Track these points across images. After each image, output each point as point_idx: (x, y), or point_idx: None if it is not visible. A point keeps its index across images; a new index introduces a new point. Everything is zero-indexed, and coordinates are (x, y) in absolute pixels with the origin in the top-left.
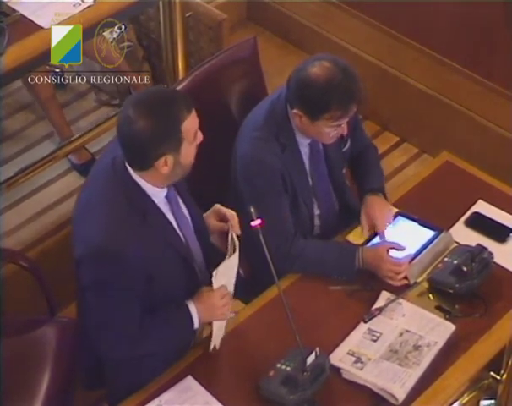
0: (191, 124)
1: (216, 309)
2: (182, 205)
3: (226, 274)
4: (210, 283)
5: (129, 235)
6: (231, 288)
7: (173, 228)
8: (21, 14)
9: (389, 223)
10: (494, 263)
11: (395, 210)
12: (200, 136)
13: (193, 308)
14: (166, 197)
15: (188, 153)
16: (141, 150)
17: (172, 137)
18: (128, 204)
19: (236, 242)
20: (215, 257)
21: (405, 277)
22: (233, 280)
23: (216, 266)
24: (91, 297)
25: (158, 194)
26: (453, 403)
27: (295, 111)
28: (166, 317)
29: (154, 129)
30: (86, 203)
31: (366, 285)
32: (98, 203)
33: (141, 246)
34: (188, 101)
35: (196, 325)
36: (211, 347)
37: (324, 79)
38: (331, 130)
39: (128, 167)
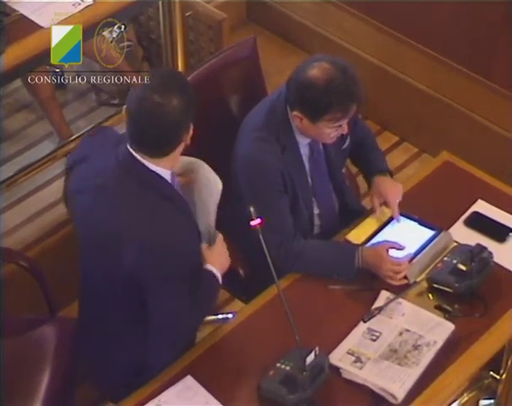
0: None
1: (224, 254)
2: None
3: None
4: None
5: (173, 224)
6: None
7: (189, 205)
8: (21, 14)
9: (399, 200)
10: (494, 263)
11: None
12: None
13: (212, 268)
14: (170, 188)
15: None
16: (174, 131)
17: (194, 110)
18: (158, 196)
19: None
20: None
21: (405, 277)
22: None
23: None
24: (158, 294)
25: (168, 177)
26: (452, 403)
27: (295, 113)
28: (202, 286)
29: (184, 105)
30: (118, 213)
31: (365, 285)
32: (132, 207)
33: (183, 231)
34: None
35: (220, 279)
36: None
37: (323, 81)
38: (332, 131)
39: (141, 159)
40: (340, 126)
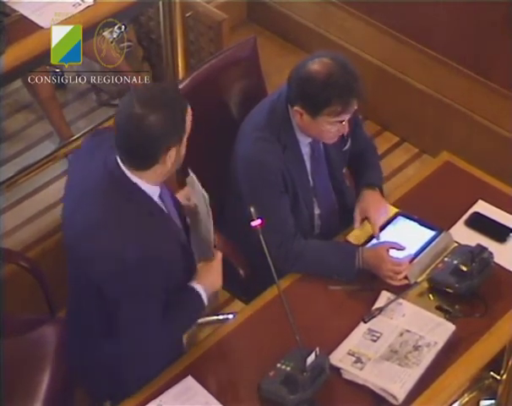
0: (189, 114)
1: (216, 274)
2: (169, 198)
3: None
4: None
5: (148, 241)
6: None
7: (173, 221)
8: (21, 14)
9: (383, 218)
10: (494, 263)
11: (393, 208)
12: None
13: (199, 287)
14: (160, 194)
15: (185, 144)
16: (152, 145)
17: (179, 128)
18: (135, 208)
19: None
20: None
21: (406, 277)
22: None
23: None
24: (125, 307)
25: (154, 193)
26: (453, 403)
27: (296, 108)
28: (177, 303)
29: (165, 121)
30: (91, 219)
31: (366, 285)
32: (106, 216)
33: (159, 246)
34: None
35: (206, 301)
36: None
37: (323, 75)
38: (332, 127)
39: (125, 171)
40: (341, 122)
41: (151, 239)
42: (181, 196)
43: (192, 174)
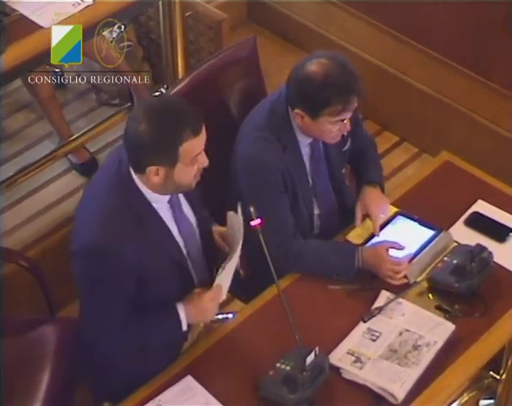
0: (192, 147)
1: (205, 311)
2: (187, 210)
3: (226, 275)
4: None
5: (122, 236)
6: (226, 290)
7: (171, 234)
8: (21, 14)
9: (384, 215)
10: (494, 263)
11: (392, 208)
12: (203, 161)
13: (181, 309)
14: (169, 202)
15: (183, 174)
16: (137, 151)
17: (168, 153)
18: (126, 206)
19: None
20: (216, 261)
21: (405, 277)
22: (229, 283)
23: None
24: (80, 291)
25: (158, 200)
26: (452, 403)
27: (296, 111)
28: (153, 317)
29: (152, 138)
30: (87, 200)
31: (365, 285)
32: (96, 201)
33: (134, 248)
34: (199, 123)
35: (184, 326)
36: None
37: (321, 75)
38: (333, 127)
39: (131, 170)
40: (342, 121)
41: (125, 237)
42: (216, 233)
43: (236, 213)
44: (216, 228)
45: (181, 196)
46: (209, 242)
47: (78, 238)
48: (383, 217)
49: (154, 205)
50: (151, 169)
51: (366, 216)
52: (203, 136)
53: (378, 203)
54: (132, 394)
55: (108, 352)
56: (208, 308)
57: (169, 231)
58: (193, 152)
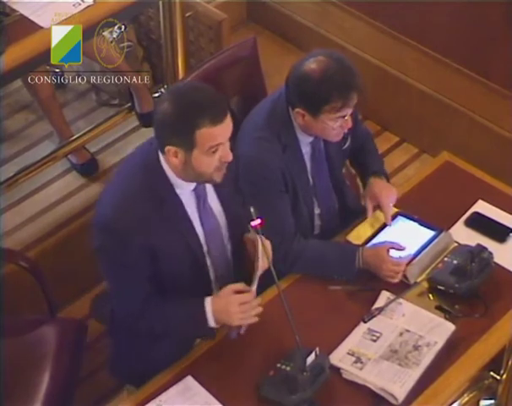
0: (209, 135)
1: (231, 314)
2: (215, 206)
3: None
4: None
5: (137, 215)
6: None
7: (191, 224)
8: (21, 14)
9: (393, 203)
10: (494, 263)
11: (393, 208)
12: (225, 155)
13: (208, 305)
14: (195, 192)
15: (201, 162)
16: (157, 129)
17: (183, 135)
18: (148, 188)
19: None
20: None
21: (405, 277)
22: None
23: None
24: (100, 263)
25: (182, 186)
26: (453, 403)
27: (297, 110)
28: (177, 303)
29: (170, 117)
30: (114, 177)
31: (366, 285)
32: (121, 179)
33: (148, 229)
34: (220, 113)
35: (211, 322)
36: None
37: (319, 72)
38: (334, 123)
39: (160, 155)
40: (343, 117)
41: (141, 218)
42: (246, 239)
43: (257, 236)
44: (248, 235)
45: (210, 190)
46: (238, 245)
47: (97, 212)
48: (392, 207)
49: (177, 190)
50: (170, 149)
51: (376, 207)
52: (224, 128)
53: (386, 192)
54: (153, 378)
55: (132, 325)
56: (234, 310)
57: (189, 220)
58: (211, 141)
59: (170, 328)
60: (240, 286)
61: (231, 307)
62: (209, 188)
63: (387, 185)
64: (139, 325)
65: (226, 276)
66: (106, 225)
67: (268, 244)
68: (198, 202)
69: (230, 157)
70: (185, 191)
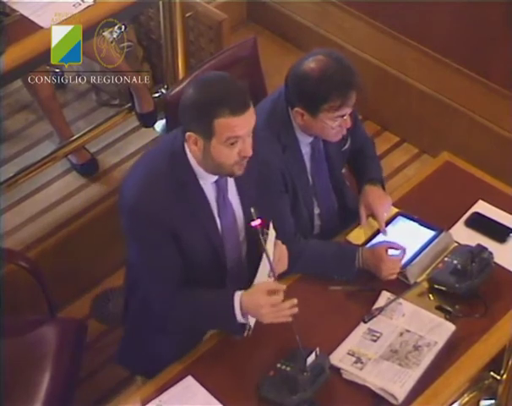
0: (227, 125)
1: (262, 315)
2: (235, 203)
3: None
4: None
5: (162, 200)
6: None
7: (211, 213)
8: (21, 14)
9: (387, 213)
10: (494, 263)
11: (393, 208)
12: (245, 148)
13: (237, 298)
14: (216, 184)
15: (220, 152)
16: (180, 113)
17: (202, 123)
18: (172, 174)
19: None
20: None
21: (405, 277)
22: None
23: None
24: (130, 247)
25: (204, 177)
26: (453, 403)
27: (296, 109)
28: (207, 293)
29: (191, 103)
30: (140, 161)
31: (366, 285)
32: (146, 164)
33: (170, 212)
34: (241, 105)
35: (238, 316)
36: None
37: (318, 71)
38: (333, 123)
39: (185, 144)
40: (342, 117)
41: (163, 200)
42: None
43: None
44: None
45: (231, 187)
46: (253, 249)
47: (122, 195)
48: (386, 216)
49: (200, 181)
50: (190, 135)
51: (370, 215)
52: (243, 120)
53: (381, 201)
54: (164, 369)
55: (164, 316)
56: (264, 304)
57: (210, 210)
58: (230, 132)
59: (197, 321)
60: (273, 285)
61: (263, 309)
62: (230, 184)
63: (381, 194)
64: (171, 315)
65: (238, 275)
66: (133, 207)
67: (284, 249)
68: (218, 195)
69: (250, 152)
70: (207, 182)
